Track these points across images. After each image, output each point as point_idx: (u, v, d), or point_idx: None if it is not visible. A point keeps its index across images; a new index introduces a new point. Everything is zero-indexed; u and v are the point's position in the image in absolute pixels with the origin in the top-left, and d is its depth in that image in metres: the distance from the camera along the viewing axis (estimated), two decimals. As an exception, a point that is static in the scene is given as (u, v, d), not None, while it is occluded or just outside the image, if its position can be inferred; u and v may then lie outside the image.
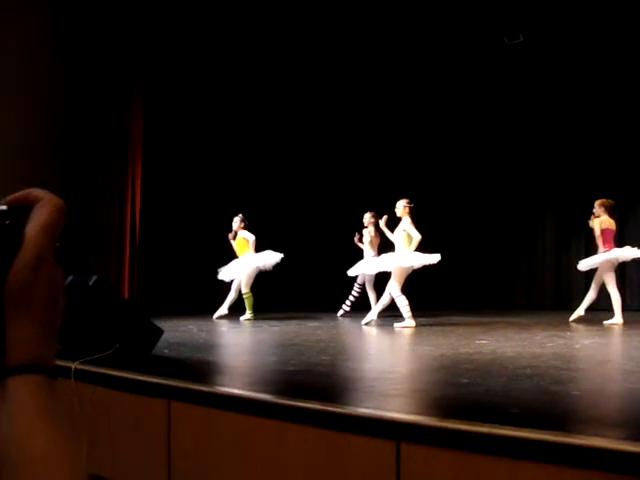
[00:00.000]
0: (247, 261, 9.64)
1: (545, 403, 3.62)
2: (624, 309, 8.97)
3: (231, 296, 9.70)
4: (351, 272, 9.94)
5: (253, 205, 11.19)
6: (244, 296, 9.64)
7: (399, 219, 8.83)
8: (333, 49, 11.20)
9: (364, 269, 9.77)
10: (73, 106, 9.81)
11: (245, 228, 9.80)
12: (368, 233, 10.12)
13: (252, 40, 10.90)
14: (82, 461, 0.65)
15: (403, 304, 8.51)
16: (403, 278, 8.65)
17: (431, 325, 8.63)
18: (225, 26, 10.58)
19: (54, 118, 9.63)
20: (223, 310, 9.66)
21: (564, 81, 11.84)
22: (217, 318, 9.56)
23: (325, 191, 12.40)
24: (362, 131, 12.66)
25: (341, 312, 10.33)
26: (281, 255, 9.63)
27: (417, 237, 8.59)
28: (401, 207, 8.79)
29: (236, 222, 9.80)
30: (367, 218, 10.25)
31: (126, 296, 10.02)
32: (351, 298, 10.39)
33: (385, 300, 8.83)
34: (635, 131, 11.56)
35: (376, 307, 9.04)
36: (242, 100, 11.54)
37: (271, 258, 9.64)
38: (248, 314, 9.59)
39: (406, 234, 8.70)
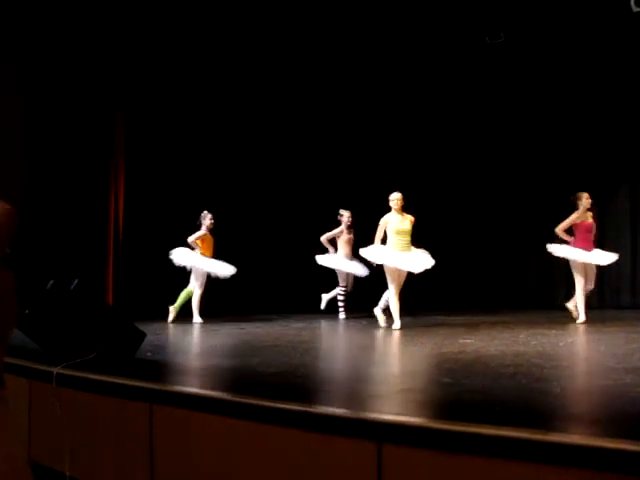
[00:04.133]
0: (207, 262, 9.49)
1: (527, 401, 3.63)
2: (604, 307, 9.03)
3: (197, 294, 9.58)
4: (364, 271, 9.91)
5: (234, 209, 11.22)
6: (186, 292, 9.48)
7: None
8: (312, 47, 11.18)
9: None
10: (57, 113, 9.86)
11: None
12: (350, 232, 10.14)
13: (226, 44, 10.95)
14: (28, 468, 0.64)
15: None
16: None
17: (416, 325, 8.62)
18: (201, 38, 10.68)
19: (39, 129, 9.73)
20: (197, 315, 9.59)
21: (546, 79, 11.87)
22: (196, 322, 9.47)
23: (307, 193, 12.35)
24: (347, 131, 12.61)
25: (342, 315, 10.25)
26: (234, 270, 9.51)
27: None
28: (402, 199, 8.42)
29: (211, 220, 9.67)
30: (349, 216, 10.25)
31: (110, 300, 9.98)
32: (340, 298, 10.35)
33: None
34: (619, 129, 11.63)
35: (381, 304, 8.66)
36: (219, 106, 11.53)
37: (225, 270, 9.51)
38: (175, 307, 9.42)
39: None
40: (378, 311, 8.61)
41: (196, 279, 9.51)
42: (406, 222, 8.37)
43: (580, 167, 11.67)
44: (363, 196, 11.42)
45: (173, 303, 9.50)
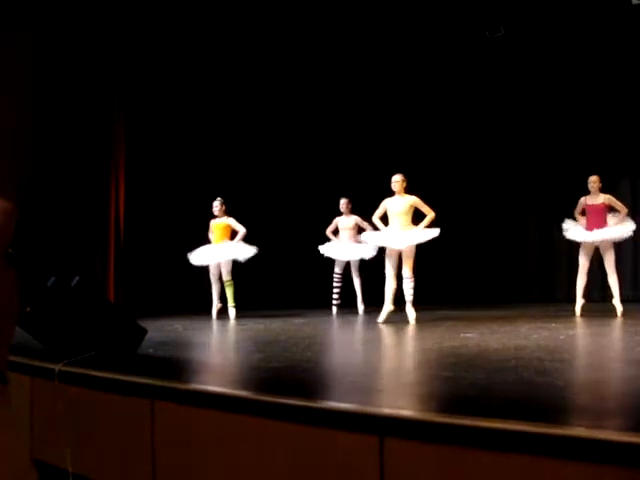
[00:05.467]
0: (226, 250, 9.55)
1: (529, 394, 3.63)
2: (606, 299, 9.02)
3: (217, 288, 9.60)
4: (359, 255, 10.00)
5: (236, 204, 11.19)
6: (227, 284, 9.52)
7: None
8: (313, 38, 11.17)
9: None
10: (56, 108, 9.85)
11: (225, 212, 9.72)
12: (352, 219, 10.18)
13: (228, 36, 10.96)
14: (28, 464, 0.64)
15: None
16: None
17: (417, 319, 8.60)
18: (202, 30, 10.67)
19: (35, 120, 9.71)
20: (217, 305, 9.58)
21: (546, 73, 11.86)
22: (217, 313, 9.49)
23: (307, 187, 12.34)
24: (349, 123, 12.60)
25: (335, 309, 10.27)
26: (255, 249, 9.54)
27: (432, 213, 8.40)
28: (401, 181, 8.38)
29: (218, 206, 9.64)
30: (346, 204, 10.27)
31: (112, 297, 9.98)
32: (336, 290, 10.37)
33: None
34: (619, 122, 11.61)
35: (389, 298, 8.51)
36: (221, 99, 11.52)
37: (247, 251, 9.55)
38: (232, 303, 9.54)
39: (412, 210, 8.41)
40: (408, 307, 8.47)
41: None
42: (402, 203, 8.37)
43: (580, 160, 11.65)
44: (366, 187, 11.38)
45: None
